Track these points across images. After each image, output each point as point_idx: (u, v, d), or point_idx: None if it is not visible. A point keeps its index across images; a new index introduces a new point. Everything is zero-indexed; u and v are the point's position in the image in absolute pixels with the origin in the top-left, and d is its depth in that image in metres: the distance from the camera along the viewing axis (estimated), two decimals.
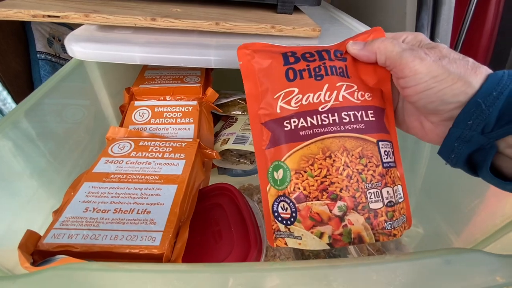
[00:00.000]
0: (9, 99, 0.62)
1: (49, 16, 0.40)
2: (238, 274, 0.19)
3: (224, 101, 0.56)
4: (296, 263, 0.26)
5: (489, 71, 0.24)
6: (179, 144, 0.40)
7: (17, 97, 0.65)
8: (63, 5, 0.42)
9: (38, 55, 0.69)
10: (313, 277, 0.20)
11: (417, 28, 0.48)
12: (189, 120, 0.47)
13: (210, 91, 0.50)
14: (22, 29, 0.67)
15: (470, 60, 0.25)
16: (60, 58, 0.75)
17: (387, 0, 0.54)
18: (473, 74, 0.24)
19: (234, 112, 0.56)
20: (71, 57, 0.79)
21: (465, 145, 0.25)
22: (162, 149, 0.39)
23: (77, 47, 0.35)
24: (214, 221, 0.35)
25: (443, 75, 0.24)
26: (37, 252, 0.26)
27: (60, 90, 0.37)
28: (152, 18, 0.41)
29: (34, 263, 0.24)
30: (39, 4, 0.42)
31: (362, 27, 0.51)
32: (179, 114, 0.47)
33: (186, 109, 0.48)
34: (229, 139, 0.48)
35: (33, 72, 0.69)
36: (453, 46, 0.51)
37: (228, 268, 0.19)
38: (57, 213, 0.30)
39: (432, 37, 0.48)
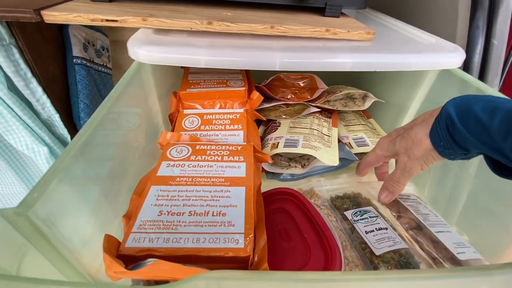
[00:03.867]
0: (48, 103, 0.63)
1: (107, 20, 0.40)
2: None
3: (265, 106, 0.56)
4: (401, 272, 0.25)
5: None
6: (234, 148, 0.40)
7: (54, 101, 0.65)
8: (119, 9, 0.43)
9: (74, 60, 0.69)
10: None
11: (471, 30, 0.48)
12: (237, 127, 0.47)
13: (255, 94, 0.50)
14: (60, 34, 0.68)
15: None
16: (94, 63, 0.75)
17: (436, 0, 0.53)
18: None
19: (276, 116, 0.56)
20: (103, 63, 0.80)
21: (455, 154, 0.31)
22: (220, 153, 0.39)
23: (142, 51, 0.35)
24: (282, 227, 0.34)
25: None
26: (119, 257, 0.26)
27: (122, 99, 0.37)
28: (208, 22, 0.41)
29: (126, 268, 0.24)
30: (96, 9, 0.42)
31: (410, 28, 0.50)
32: (228, 121, 0.47)
33: (234, 116, 0.48)
34: (278, 143, 0.47)
35: (69, 76, 0.70)
36: (510, 47, 0.50)
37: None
38: (129, 217, 0.30)
39: (488, 38, 0.48)
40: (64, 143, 0.68)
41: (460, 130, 0.29)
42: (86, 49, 0.73)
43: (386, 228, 0.39)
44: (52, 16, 0.40)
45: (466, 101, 0.30)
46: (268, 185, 0.43)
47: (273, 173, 0.49)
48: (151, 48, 0.36)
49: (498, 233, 0.40)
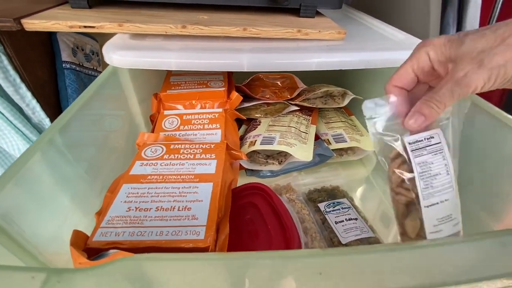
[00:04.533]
0: (38, 107, 0.65)
1: (85, 26, 0.42)
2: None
3: (246, 105, 0.57)
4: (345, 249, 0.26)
5: None
6: (208, 146, 0.41)
7: (44, 106, 0.67)
8: (97, 16, 0.44)
9: (63, 65, 0.71)
10: (367, 263, 0.20)
11: (442, 26, 0.49)
12: (216, 126, 0.48)
13: (234, 94, 0.51)
14: (48, 39, 0.70)
15: (504, 35, 0.24)
16: (83, 67, 0.77)
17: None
18: None
19: (257, 115, 0.57)
20: (93, 67, 0.82)
21: None
22: (193, 151, 0.40)
23: (116, 56, 0.37)
24: (249, 219, 0.35)
25: (500, 72, 0.23)
26: (87, 250, 0.27)
27: (96, 100, 0.38)
28: (182, 26, 0.43)
29: (88, 259, 0.25)
30: (74, 16, 0.44)
31: (385, 27, 0.51)
32: (206, 121, 0.49)
33: (213, 116, 0.50)
34: (256, 140, 0.49)
35: (58, 81, 0.72)
36: None
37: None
38: (101, 214, 0.31)
39: None
40: None
41: None
42: (75, 54, 0.75)
43: (356, 219, 0.40)
44: (32, 24, 0.41)
45: None
46: (247, 182, 0.45)
47: (252, 170, 0.50)
48: (124, 52, 0.37)
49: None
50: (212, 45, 0.42)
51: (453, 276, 0.19)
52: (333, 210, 0.41)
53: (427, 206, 0.32)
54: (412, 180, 0.31)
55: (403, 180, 0.31)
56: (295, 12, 0.51)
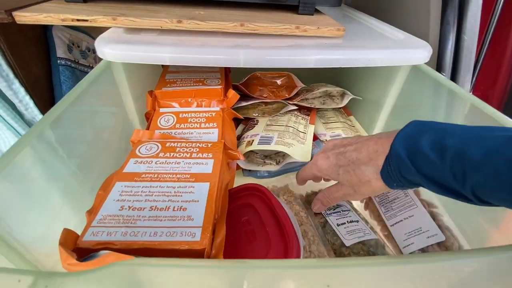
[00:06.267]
0: (31, 103, 0.63)
1: (78, 20, 0.41)
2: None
3: (244, 104, 0.56)
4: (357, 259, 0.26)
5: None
6: (205, 145, 0.40)
7: (38, 102, 0.66)
8: (91, 9, 0.43)
9: (58, 61, 0.70)
10: (382, 273, 0.19)
11: (443, 27, 0.48)
12: (213, 125, 0.47)
13: (231, 93, 0.50)
14: (43, 35, 0.69)
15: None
16: (79, 64, 0.76)
17: None
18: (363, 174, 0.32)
19: (255, 115, 0.56)
20: (89, 64, 0.81)
21: (411, 188, 0.31)
22: (189, 150, 0.39)
23: (107, 49, 0.36)
24: (246, 221, 0.34)
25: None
26: (77, 250, 0.26)
27: (89, 95, 0.37)
28: (178, 20, 0.42)
29: (78, 260, 0.24)
30: (67, 9, 0.42)
31: (385, 26, 0.51)
32: (203, 119, 0.48)
33: (210, 114, 0.49)
34: (253, 140, 0.48)
35: (53, 77, 0.70)
36: (481, 42, 0.50)
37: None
38: (92, 212, 0.30)
39: (459, 34, 0.48)
40: None
41: (412, 171, 0.27)
42: (71, 50, 0.73)
43: (357, 221, 0.40)
44: (24, 16, 0.40)
45: (414, 135, 0.27)
46: (244, 182, 0.44)
47: (249, 170, 0.49)
48: (116, 46, 0.36)
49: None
50: (209, 40, 0.41)
51: None
52: (333, 213, 0.40)
53: (392, 225, 0.39)
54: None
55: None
56: (294, 9, 0.50)
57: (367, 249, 0.37)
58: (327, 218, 0.40)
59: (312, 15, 0.50)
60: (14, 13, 0.40)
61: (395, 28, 0.50)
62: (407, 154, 0.27)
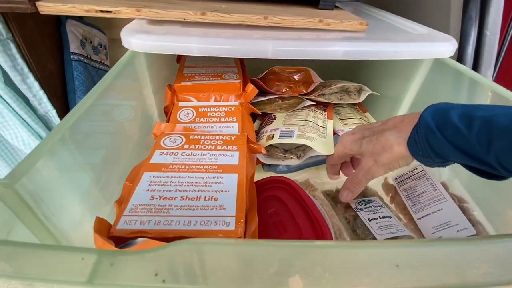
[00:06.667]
0: (44, 98, 0.63)
1: (101, 11, 0.41)
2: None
3: (260, 99, 0.56)
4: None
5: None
6: (228, 138, 0.40)
7: (51, 97, 0.65)
8: (114, 1, 0.43)
9: (71, 56, 0.69)
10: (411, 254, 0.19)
11: (464, 20, 0.48)
12: (232, 119, 0.47)
13: (250, 87, 0.50)
14: (57, 30, 0.68)
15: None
16: (91, 60, 0.76)
17: None
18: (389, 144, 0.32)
19: (272, 110, 0.56)
20: (100, 60, 0.80)
21: (432, 162, 0.31)
22: (214, 142, 0.39)
23: (134, 39, 0.36)
24: (274, 212, 0.34)
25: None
26: (111, 238, 0.26)
27: (113, 88, 0.37)
28: (202, 13, 0.41)
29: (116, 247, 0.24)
30: (91, 0, 0.42)
31: (405, 21, 0.50)
32: (223, 114, 0.47)
33: (229, 109, 0.48)
34: (273, 134, 0.48)
35: (66, 72, 0.70)
36: (503, 37, 0.50)
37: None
38: (121, 202, 0.30)
39: (481, 29, 0.48)
40: None
41: (440, 140, 0.28)
42: (84, 46, 0.73)
43: (390, 217, 0.39)
44: (47, 7, 0.40)
45: (443, 109, 0.29)
46: (264, 177, 0.43)
47: (269, 165, 0.49)
48: (144, 36, 0.36)
49: None
50: (232, 33, 0.41)
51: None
52: (365, 208, 0.40)
53: (419, 218, 0.39)
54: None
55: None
56: (314, 4, 0.50)
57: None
58: (358, 212, 0.39)
59: (332, 10, 0.50)
60: (38, 3, 0.40)
61: (416, 23, 0.49)
62: (435, 124, 0.29)
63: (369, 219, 0.38)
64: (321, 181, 0.49)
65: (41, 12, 0.40)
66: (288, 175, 0.49)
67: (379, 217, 0.38)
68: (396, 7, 0.59)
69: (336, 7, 0.53)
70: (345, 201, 0.40)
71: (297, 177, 0.47)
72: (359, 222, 0.38)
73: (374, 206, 0.40)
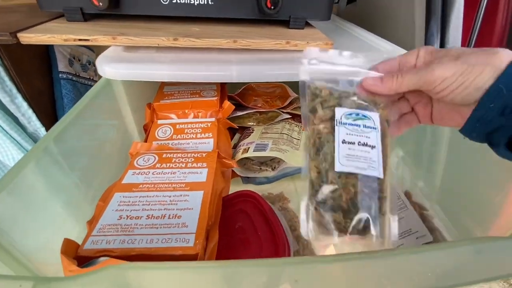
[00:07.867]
0: (34, 117, 0.65)
1: (79, 39, 0.43)
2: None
3: (239, 113, 0.58)
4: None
5: (510, 54, 0.26)
6: (200, 155, 0.42)
7: (40, 115, 0.68)
8: (91, 29, 0.45)
9: (60, 75, 0.72)
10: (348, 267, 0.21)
11: (427, 37, 0.50)
12: (208, 135, 0.49)
13: (226, 104, 0.53)
14: (45, 50, 0.71)
15: (487, 48, 0.27)
16: (80, 77, 0.78)
17: (396, 11, 0.56)
18: (496, 59, 0.26)
19: (250, 124, 0.58)
20: (89, 76, 0.83)
21: (486, 125, 0.27)
22: (185, 160, 0.41)
23: (108, 68, 0.38)
24: (240, 227, 0.36)
25: (468, 69, 0.26)
26: (78, 258, 0.28)
27: (90, 110, 0.39)
28: (174, 38, 0.44)
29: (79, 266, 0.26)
30: (69, 29, 0.45)
31: (373, 37, 0.53)
32: (199, 130, 0.50)
33: (205, 125, 0.51)
34: (249, 148, 0.50)
35: (55, 90, 0.73)
36: None
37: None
38: (92, 222, 0.32)
39: (443, 45, 0.51)
40: None
41: None
42: (72, 64, 0.76)
43: (374, 147, 0.28)
44: (28, 38, 0.42)
45: None
46: (242, 189, 0.45)
47: (248, 178, 0.51)
48: (117, 65, 0.38)
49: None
50: (204, 56, 0.43)
51: (431, 282, 0.20)
52: (350, 124, 0.29)
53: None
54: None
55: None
56: (285, 23, 0.52)
57: (354, 190, 0.26)
58: (336, 127, 0.28)
59: (303, 29, 0.52)
60: (19, 35, 0.42)
61: (384, 40, 0.52)
62: None
63: (343, 140, 0.28)
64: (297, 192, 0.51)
65: (23, 43, 0.43)
66: (265, 187, 0.51)
67: (359, 142, 0.28)
68: (368, 24, 0.61)
69: (309, 25, 0.55)
70: (366, 86, 0.30)
71: (272, 190, 0.49)
72: (329, 138, 0.28)
73: (365, 126, 0.29)
